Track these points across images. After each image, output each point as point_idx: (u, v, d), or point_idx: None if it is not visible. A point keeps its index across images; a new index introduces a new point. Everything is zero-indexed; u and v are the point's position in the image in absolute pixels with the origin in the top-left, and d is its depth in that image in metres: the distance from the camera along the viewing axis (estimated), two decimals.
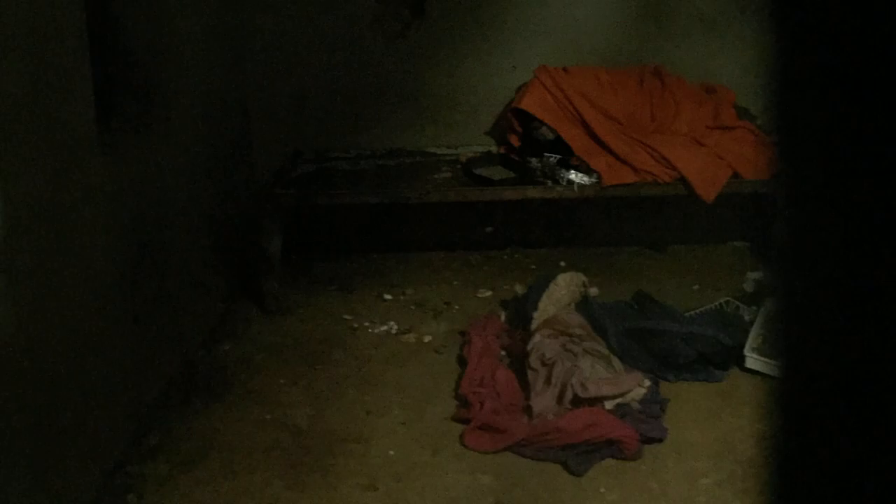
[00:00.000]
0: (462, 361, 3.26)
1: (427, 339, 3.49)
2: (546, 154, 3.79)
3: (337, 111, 4.24)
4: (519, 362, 3.16)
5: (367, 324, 3.61)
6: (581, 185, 3.71)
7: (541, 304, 3.28)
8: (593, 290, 3.52)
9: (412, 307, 3.76)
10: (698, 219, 4.12)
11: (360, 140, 4.25)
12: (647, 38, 4.15)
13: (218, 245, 3.71)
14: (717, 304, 3.57)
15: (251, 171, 4.19)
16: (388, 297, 3.85)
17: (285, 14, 4.14)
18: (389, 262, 4.21)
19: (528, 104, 3.85)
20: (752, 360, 3.16)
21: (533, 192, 3.78)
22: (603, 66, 4.08)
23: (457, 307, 3.73)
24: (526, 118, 3.89)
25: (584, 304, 3.39)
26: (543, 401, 2.95)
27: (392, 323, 3.60)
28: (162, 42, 3.13)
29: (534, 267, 4.07)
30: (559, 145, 3.81)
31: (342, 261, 4.23)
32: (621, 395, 2.99)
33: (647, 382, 3.05)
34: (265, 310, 3.71)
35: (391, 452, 2.83)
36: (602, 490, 2.68)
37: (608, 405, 2.96)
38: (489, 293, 3.85)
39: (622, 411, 2.94)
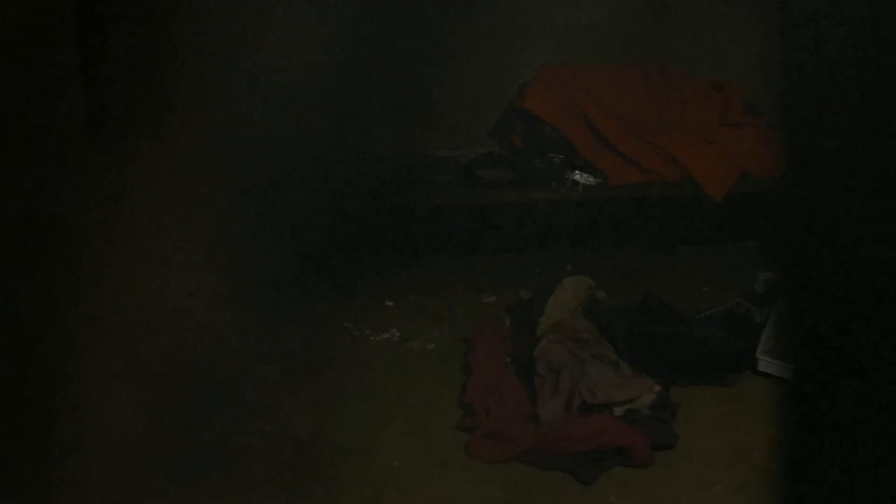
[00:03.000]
0: (467, 369, 3.23)
1: (430, 346, 3.48)
2: (550, 154, 3.76)
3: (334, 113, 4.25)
4: (525, 368, 3.12)
5: (368, 331, 3.59)
6: (586, 186, 3.68)
7: (547, 309, 3.25)
8: (601, 294, 3.48)
9: (415, 313, 3.74)
10: (707, 219, 4.09)
11: (360, 143, 4.26)
12: (651, 33, 4.15)
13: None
14: (727, 305, 3.53)
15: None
16: (389, 303, 3.83)
17: (281, 10, 4.13)
18: (391, 266, 4.19)
19: (531, 103, 3.83)
20: (765, 364, 3.13)
21: (537, 194, 3.76)
22: (607, 62, 4.07)
23: (461, 313, 3.71)
24: (529, 118, 3.87)
25: (591, 308, 3.35)
26: (551, 408, 2.91)
27: (394, 330, 3.59)
28: (154, 43, 3.11)
29: (539, 271, 4.05)
30: (563, 145, 3.79)
31: (343, 266, 4.23)
32: (631, 400, 2.96)
33: (657, 387, 3.01)
34: (263, 317, 3.69)
35: (395, 464, 2.82)
36: (612, 499, 2.66)
37: (617, 411, 2.93)
38: (493, 298, 3.82)
39: (632, 417, 2.90)
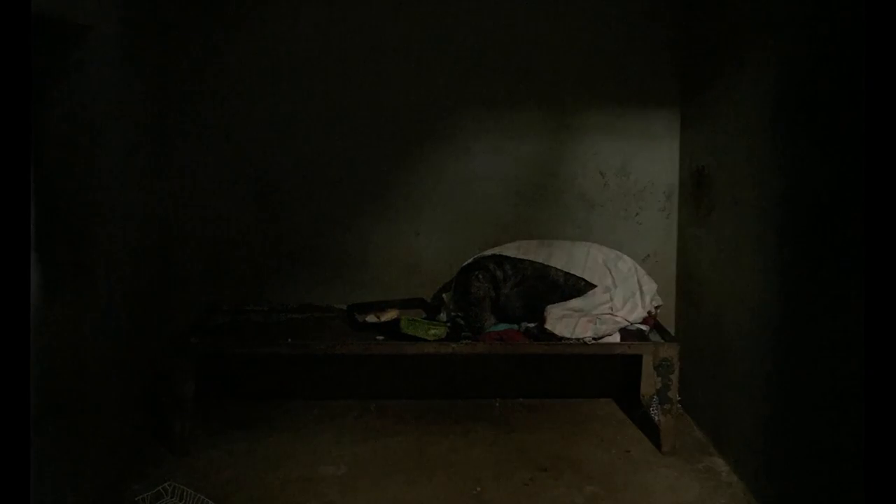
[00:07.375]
0: None
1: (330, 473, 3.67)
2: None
3: (252, 268, 4.52)
4: None
5: (271, 466, 3.75)
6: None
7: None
8: None
9: (315, 450, 3.93)
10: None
11: (273, 295, 4.51)
12: (532, 212, 4.57)
13: (132, 388, 3.84)
14: None
15: (171, 319, 4.39)
16: (293, 440, 4.02)
17: (206, 182, 4.44)
18: (297, 407, 4.40)
19: None
20: None
21: (409, 349, 3.94)
22: (494, 232, 4.46)
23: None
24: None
25: None
26: None
27: (295, 464, 3.76)
28: (91, 204, 3.37)
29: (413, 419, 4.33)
30: None
31: (252, 405, 4.41)
32: None
33: None
34: (174, 451, 3.86)
35: None
36: None
37: None
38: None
39: None
